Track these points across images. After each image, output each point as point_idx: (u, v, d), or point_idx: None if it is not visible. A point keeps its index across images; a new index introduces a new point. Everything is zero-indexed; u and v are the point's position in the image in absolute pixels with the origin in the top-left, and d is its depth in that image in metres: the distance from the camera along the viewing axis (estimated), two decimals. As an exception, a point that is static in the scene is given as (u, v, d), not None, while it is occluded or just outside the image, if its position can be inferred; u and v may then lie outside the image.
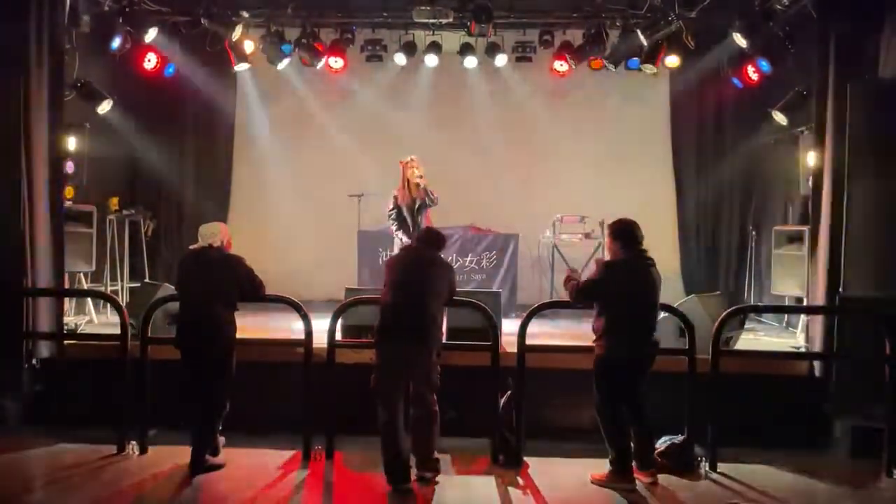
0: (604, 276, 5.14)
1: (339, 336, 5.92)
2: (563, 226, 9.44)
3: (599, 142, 10.46)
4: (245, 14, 8.79)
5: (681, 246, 10.40)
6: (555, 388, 6.05)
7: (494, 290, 8.25)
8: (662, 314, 5.48)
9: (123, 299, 8.67)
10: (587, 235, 9.37)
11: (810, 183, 7.12)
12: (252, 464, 5.42)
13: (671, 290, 5.85)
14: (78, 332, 6.96)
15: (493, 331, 5.70)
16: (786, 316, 8.55)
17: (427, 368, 5.02)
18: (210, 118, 10.49)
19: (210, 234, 5.41)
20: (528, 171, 10.41)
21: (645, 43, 8.72)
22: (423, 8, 8.61)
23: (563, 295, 5.59)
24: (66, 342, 6.47)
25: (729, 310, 5.96)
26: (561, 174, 10.38)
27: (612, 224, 5.28)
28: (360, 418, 5.35)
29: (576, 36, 9.35)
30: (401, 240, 7.30)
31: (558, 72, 9.74)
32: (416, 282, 5.10)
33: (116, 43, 8.34)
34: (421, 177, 7.31)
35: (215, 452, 5.37)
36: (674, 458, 5.41)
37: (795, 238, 7.96)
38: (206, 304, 5.23)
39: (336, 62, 9.52)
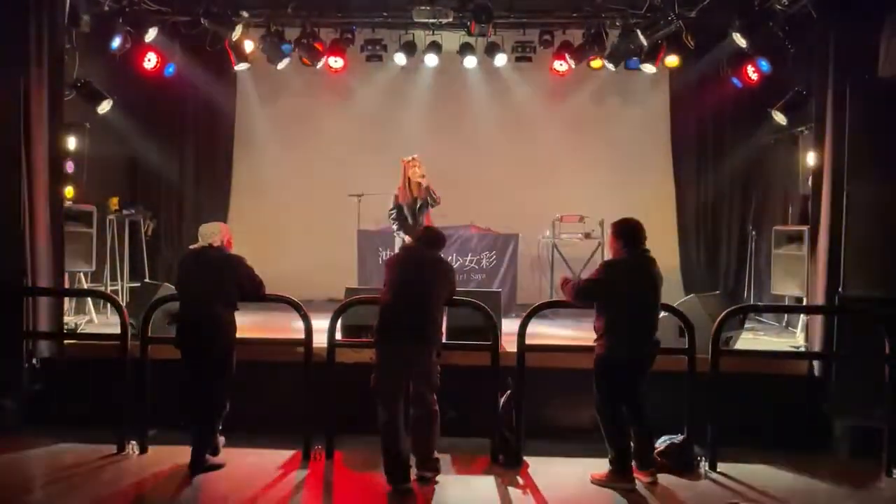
0: (604, 276, 5.14)
1: (339, 336, 5.92)
2: (562, 225, 9.45)
3: (599, 141, 10.47)
4: (245, 14, 8.80)
5: (681, 246, 10.40)
6: (555, 387, 6.05)
7: (494, 289, 8.25)
8: (662, 314, 5.47)
9: (123, 299, 8.68)
10: (587, 235, 9.39)
11: (810, 183, 7.11)
12: (252, 464, 5.42)
13: (671, 289, 5.85)
14: (78, 331, 6.95)
15: (493, 330, 5.70)
16: (785, 316, 8.55)
17: (427, 368, 5.02)
18: (210, 118, 10.49)
19: (210, 233, 5.41)
20: (528, 170, 10.40)
21: (645, 43, 8.73)
22: (423, 8, 8.62)
23: (562, 296, 5.58)
24: (66, 342, 6.46)
25: (728, 309, 5.96)
26: (561, 174, 10.39)
27: (616, 223, 5.25)
28: (360, 418, 5.35)
29: (576, 36, 9.35)
30: (403, 239, 7.30)
31: (558, 72, 9.76)
32: (416, 281, 5.10)
33: (116, 43, 8.34)
34: (423, 176, 7.30)
35: (215, 452, 5.37)
36: (673, 457, 5.41)
37: (795, 238, 7.96)
38: (207, 303, 5.23)
39: (336, 62, 9.53)
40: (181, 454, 5.30)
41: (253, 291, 5.46)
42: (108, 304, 7.68)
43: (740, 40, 8.37)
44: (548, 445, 5.71)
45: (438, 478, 5.11)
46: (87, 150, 8.38)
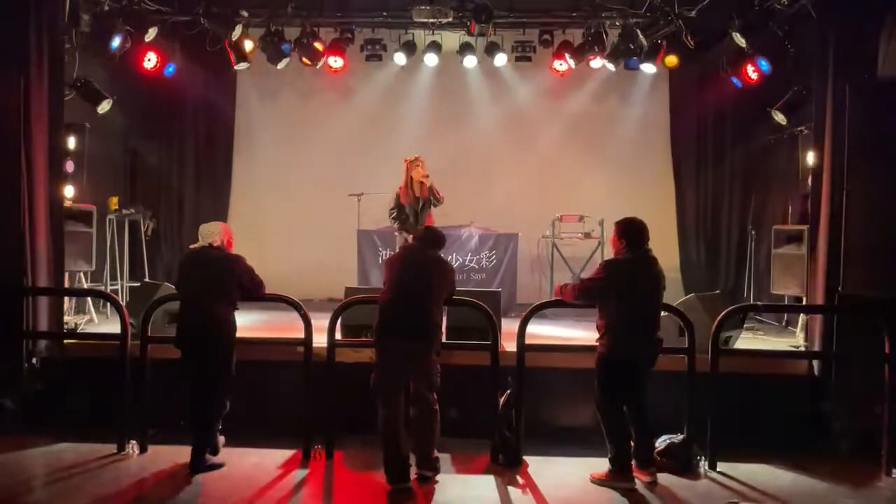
0: (604, 275, 5.14)
1: (339, 335, 5.92)
2: (562, 225, 9.45)
3: (599, 141, 10.48)
4: (245, 13, 8.79)
5: (680, 245, 10.41)
6: (555, 387, 6.05)
7: (494, 289, 8.25)
8: (662, 314, 5.47)
9: (123, 299, 8.69)
10: (587, 235, 9.39)
11: (809, 182, 7.12)
12: (252, 463, 5.42)
13: (671, 289, 5.84)
14: (78, 331, 6.96)
15: (493, 330, 5.70)
16: (785, 315, 8.55)
17: (427, 367, 5.02)
18: (210, 118, 10.51)
19: (210, 233, 5.42)
20: (528, 170, 10.41)
21: (644, 42, 8.73)
22: (423, 7, 8.63)
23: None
24: (66, 341, 6.47)
25: (728, 309, 5.95)
26: (560, 173, 10.39)
27: (620, 222, 5.22)
28: (360, 418, 5.36)
29: (575, 35, 9.34)
30: (405, 238, 7.30)
31: (558, 71, 9.77)
32: (416, 281, 5.10)
33: (116, 42, 8.34)
34: (426, 176, 7.30)
35: (215, 452, 5.37)
36: (673, 457, 5.41)
37: (795, 237, 7.96)
38: (207, 303, 5.23)
39: (336, 62, 9.52)
40: (181, 454, 5.30)
41: (253, 291, 5.46)
42: (108, 304, 7.70)
43: (740, 40, 8.38)
44: (548, 445, 5.71)
45: (438, 477, 5.11)
46: (87, 150, 8.39)
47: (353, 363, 5.83)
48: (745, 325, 7.21)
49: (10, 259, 6.17)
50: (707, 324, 5.84)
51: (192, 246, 5.51)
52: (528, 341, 5.68)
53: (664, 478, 5.20)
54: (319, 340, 5.72)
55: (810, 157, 7.23)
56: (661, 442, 5.46)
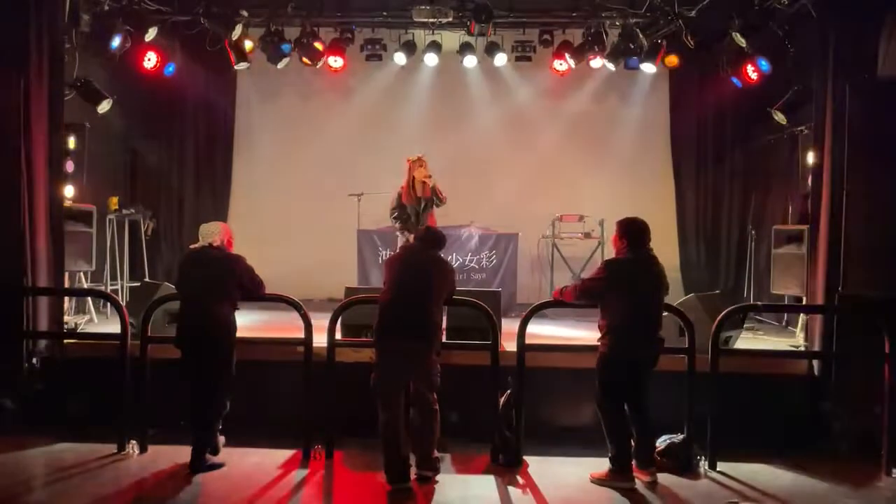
0: (605, 274, 5.14)
1: (339, 335, 5.92)
2: (562, 225, 9.45)
3: (599, 141, 10.48)
4: (244, 13, 8.79)
5: (680, 245, 10.42)
6: (555, 387, 6.05)
7: (494, 289, 8.25)
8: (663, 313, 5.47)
9: (123, 298, 8.69)
10: (587, 235, 9.39)
11: (809, 182, 7.12)
12: (252, 463, 5.42)
13: (671, 289, 5.87)
14: (78, 331, 6.96)
15: (493, 330, 5.70)
16: (785, 315, 8.55)
17: (427, 367, 5.02)
18: (210, 118, 10.51)
19: (210, 233, 5.42)
20: (528, 170, 10.41)
21: (645, 42, 8.72)
22: (423, 7, 8.63)
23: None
24: (66, 341, 6.47)
25: (728, 309, 5.96)
26: (560, 173, 10.39)
27: (622, 221, 5.22)
28: (360, 418, 5.36)
29: (575, 35, 9.34)
30: (406, 239, 7.29)
31: (558, 71, 9.77)
32: (416, 281, 5.10)
33: (116, 42, 8.34)
34: (429, 176, 7.29)
35: (215, 452, 5.37)
36: (673, 457, 5.41)
37: (795, 237, 7.96)
38: (207, 303, 5.23)
39: (336, 61, 9.52)
40: (181, 454, 5.30)
41: (253, 291, 5.46)
42: (109, 304, 7.69)
43: (740, 40, 8.37)
44: (548, 445, 5.71)
45: (438, 477, 5.11)
46: (87, 150, 8.39)
47: (353, 363, 5.83)
48: (745, 325, 7.21)
49: (10, 259, 6.17)
50: (707, 324, 5.84)
51: (192, 246, 5.51)
52: (528, 341, 5.68)
53: (664, 478, 5.20)
54: (319, 340, 5.72)
55: (810, 157, 7.22)
56: (662, 442, 5.46)
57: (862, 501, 5.05)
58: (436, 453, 5.14)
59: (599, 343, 5.18)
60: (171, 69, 9.36)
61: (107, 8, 8.11)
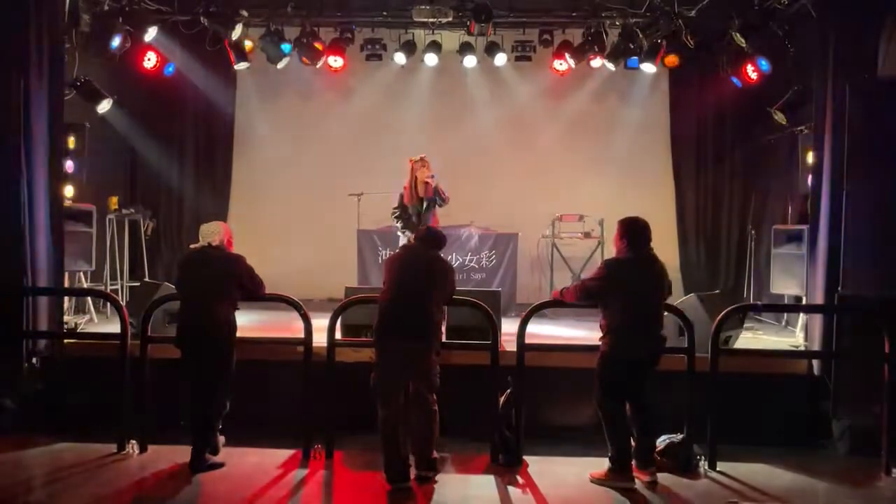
0: (605, 274, 5.14)
1: (338, 335, 5.92)
2: (562, 225, 9.45)
3: (599, 141, 10.47)
4: (244, 13, 8.80)
5: (680, 245, 10.41)
6: (555, 387, 6.05)
7: (494, 289, 8.25)
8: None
9: (123, 298, 8.69)
10: (586, 234, 9.39)
11: (809, 182, 7.12)
12: (252, 463, 5.42)
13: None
14: (78, 331, 6.96)
15: (493, 330, 5.70)
16: (785, 315, 8.55)
17: (427, 367, 5.02)
18: (210, 118, 10.50)
19: (210, 233, 5.42)
20: (528, 170, 10.40)
21: (645, 42, 8.72)
22: (423, 7, 8.63)
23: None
24: (66, 341, 6.47)
25: (728, 309, 5.95)
26: (560, 173, 10.39)
27: (623, 221, 5.22)
28: (360, 417, 5.36)
29: (575, 35, 9.35)
30: (408, 239, 7.29)
31: (558, 71, 9.77)
32: (416, 281, 5.10)
33: (116, 42, 8.34)
34: (432, 176, 7.29)
35: (215, 451, 5.38)
36: (673, 457, 5.41)
37: (795, 237, 7.96)
38: (207, 303, 5.23)
39: (336, 61, 9.52)
40: (181, 454, 5.30)
41: (253, 291, 5.46)
42: (108, 304, 7.69)
43: (740, 40, 8.38)
44: (548, 445, 5.71)
45: (438, 477, 5.11)
46: (87, 150, 8.39)
47: (353, 363, 5.83)
48: (744, 325, 7.22)
49: (10, 259, 6.16)
50: (707, 324, 5.84)
51: (192, 246, 5.52)
52: (528, 341, 5.68)
53: (664, 478, 5.20)
54: (319, 340, 5.72)
55: (810, 157, 7.22)
56: (662, 442, 5.46)
57: (862, 501, 5.05)
58: (435, 453, 5.14)
59: (600, 342, 5.18)
60: (171, 69, 9.37)
61: (107, 8, 8.12)
